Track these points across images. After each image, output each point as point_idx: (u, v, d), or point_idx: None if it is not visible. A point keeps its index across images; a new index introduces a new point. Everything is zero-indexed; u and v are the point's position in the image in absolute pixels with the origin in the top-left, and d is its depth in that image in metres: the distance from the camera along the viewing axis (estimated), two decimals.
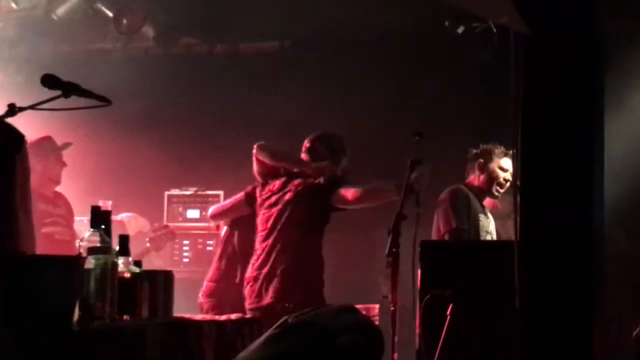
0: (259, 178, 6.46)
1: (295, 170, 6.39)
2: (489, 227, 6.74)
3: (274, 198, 6.28)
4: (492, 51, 7.63)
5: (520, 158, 4.21)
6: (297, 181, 6.29)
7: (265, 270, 6.12)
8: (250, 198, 6.48)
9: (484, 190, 6.78)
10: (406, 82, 8.86)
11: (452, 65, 8.67)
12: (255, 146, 6.46)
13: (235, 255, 6.45)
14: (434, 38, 8.65)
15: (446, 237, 6.49)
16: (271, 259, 6.11)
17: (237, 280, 6.31)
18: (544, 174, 4.20)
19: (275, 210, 6.23)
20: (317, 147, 6.46)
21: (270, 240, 6.17)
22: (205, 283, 6.54)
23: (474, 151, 6.87)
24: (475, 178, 6.80)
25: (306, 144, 6.52)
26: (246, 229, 6.44)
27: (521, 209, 4.13)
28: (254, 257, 6.22)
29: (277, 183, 6.34)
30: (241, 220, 6.55)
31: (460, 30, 8.34)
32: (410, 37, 8.85)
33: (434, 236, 6.66)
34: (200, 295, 6.49)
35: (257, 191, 6.44)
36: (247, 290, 6.17)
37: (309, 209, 6.24)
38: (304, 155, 6.50)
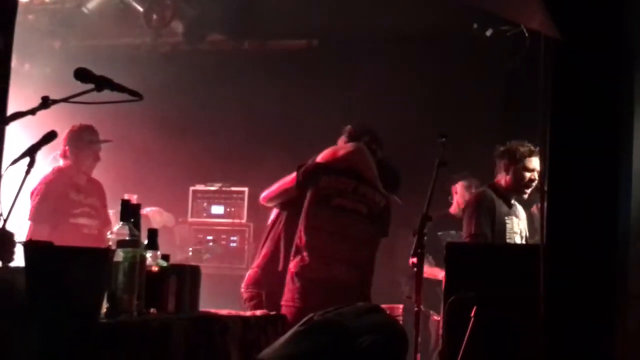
0: (329, 160, 6.04)
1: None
2: (517, 227, 6.70)
3: (346, 202, 5.96)
4: (522, 54, 7.61)
5: (547, 163, 4.21)
6: (370, 195, 6.04)
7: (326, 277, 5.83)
8: (302, 183, 5.99)
9: (511, 191, 6.75)
10: (433, 82, 8.86)
11: (479, 67, 8.66)
12: (354, 144, 6.10)
13: (279, 240, 6.08)
14: (462, 39, 8.64)
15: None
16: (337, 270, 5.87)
17: (280, 268, 5.97)
18: (571, 178, 4.20)
19: (348, 215, 5.96)
20: (372, 146, 6.20)
21: (337, 249, 5.90)
22: (249, 270, 6.24)
23: (501, 149, 6.81)
24: (502, 178, 6.76)
25: (375, 144, 6.23)
26: (293, 213, 6.05)
27: (547, 213, 4.13)
28: (312, 253, 5.87)
29: (347, 182, 5.99)
30: (289, 203, 6.11)
31: (489, 32, 8.35)
32: (438, 38, 8.84)
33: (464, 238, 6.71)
34: (242, 284, 6.18)
35: (315, 178, 5.98)
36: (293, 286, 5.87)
37: (381, 230, 6.17)
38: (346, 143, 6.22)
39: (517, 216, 6.76)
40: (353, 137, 6.23)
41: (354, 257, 5.94)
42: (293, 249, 5.90)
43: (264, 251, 6.11)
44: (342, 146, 6.16)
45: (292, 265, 5.85)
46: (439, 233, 7.81)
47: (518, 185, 6.70)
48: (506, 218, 6.65)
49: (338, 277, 5.83)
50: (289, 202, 6.11)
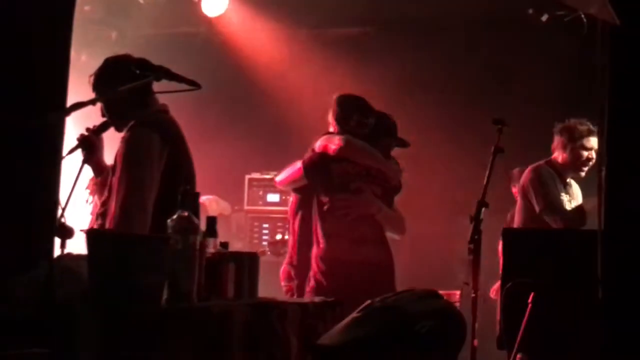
0: (330, 154, 5.93)
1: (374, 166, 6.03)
2: (569, 207, 6.66)
3: (363, 186, 5.93)
4: (580, 39, 7.54)
5: (606, 147, 4.18)
6: (379, 176, 6.02)
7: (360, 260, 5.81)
8: (311, 174, 5.96)
9: (568, 169, 6.73)
10: (488, 69, 8.82)
11: (537, 52, 8.62)
12: (341, 139, 5.98)
13: (301, 237, 6.03)
14: (519, 25, 8.60)
15: (543, 214, 6.53)
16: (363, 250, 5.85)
17: (304, 260, 5.93)
18: (631, 163, 4.17)
19: (361, 199, 5.91)
20: (372, 123, 6.11)
21: (361, 231, 5.86)
22: (283, 266, 6.23)
23: (559, 126, 6.80)
24: (559, 155, 6.74)
25: (366, 118, 6.10)
26: (307, 211, 6.00)
27: (606, 199, 4.10)
28: (337, 238, 5.83)
29: (358, 166, 5.94)
30: (304, 200, 6.06)
31: (544, 18, 8.29)
32: (494, 24, 8.80)
33: (516, 220, 6.68)
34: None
35: (325, 167, 5.94)
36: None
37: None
38: (334, 123, 6.20)
39: (570, 195, 6.72)
40: (342, 119, 6.17)
41: (381, 235, 5.97)
42: (316, 237, 5.88)
43: (289, 247, 6.16)
44: (331, 140, 6.05)
45: (317, 251, 5.85)
46: None
47: (575, 163, 6.68)
48: (562, 194, 6.63)
49: (366, 257, 5.82)
50: (303, 197, 6.07)
